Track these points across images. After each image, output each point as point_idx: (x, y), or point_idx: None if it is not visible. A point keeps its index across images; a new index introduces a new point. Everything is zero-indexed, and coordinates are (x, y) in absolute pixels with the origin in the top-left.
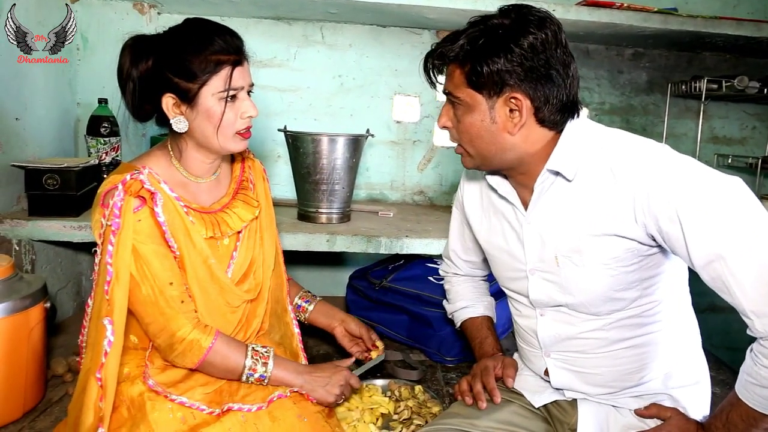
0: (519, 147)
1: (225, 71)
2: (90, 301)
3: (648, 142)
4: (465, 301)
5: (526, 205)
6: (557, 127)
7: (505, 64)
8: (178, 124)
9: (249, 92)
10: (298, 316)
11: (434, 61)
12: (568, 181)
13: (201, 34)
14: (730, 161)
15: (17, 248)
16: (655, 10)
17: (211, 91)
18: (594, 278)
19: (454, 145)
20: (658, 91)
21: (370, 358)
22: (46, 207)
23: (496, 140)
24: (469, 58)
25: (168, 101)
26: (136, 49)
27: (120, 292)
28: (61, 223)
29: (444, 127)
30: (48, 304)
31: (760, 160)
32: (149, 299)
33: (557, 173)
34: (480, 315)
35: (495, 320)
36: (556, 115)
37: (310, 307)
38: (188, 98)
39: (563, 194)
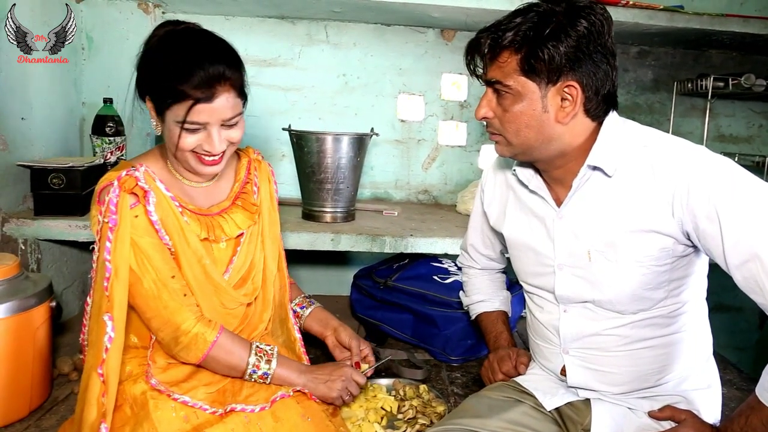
0: (564, 138)
1: (187, 104)
2: (89, 299)
3: (687, 142)
4: (481, 295)
5: (557, 200)
6: (599, 119)
7: (565, 49)
8: (154, 126)
9: (232, 125)
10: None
11: (483, 49)
12: (608, 176)
13: (182, 57)
14: (736, 160)
15: (23, 247)
16: (661, 7)
17: (173, 117)
18: (626, 275)
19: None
20: (663, 90)
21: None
22: (52, 206)
23: (544, 130)
24: (526, 43)
25: (150, 104)
26: (161, 35)
27: (119, 288)
28: (67, 222)
29: (483, 118)
30: (53, 303)
31: (767, 159)
32: (151, 293)
33: (596, 168)
34: (495, 309)
35: (510, 315)
36: (602, 105)
37: (305, 313)
38: (159, 111)
39: (600, 190)
